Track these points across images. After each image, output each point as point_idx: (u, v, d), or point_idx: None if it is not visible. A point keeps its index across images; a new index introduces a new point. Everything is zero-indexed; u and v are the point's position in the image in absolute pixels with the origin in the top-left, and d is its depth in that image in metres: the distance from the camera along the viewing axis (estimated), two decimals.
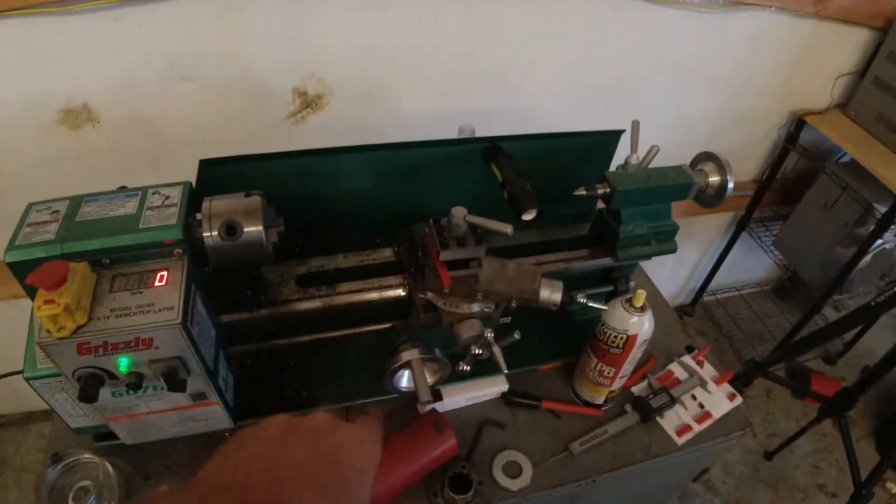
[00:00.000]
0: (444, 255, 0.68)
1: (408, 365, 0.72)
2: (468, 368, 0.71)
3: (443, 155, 0.87)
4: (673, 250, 0.90)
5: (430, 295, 0.72)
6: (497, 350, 0.69)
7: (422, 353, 0.73)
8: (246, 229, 0.67)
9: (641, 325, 0.76)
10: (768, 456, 1.75)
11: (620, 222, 0.85)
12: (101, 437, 0.77)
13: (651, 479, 0.96)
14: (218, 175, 0.79)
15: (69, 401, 0.71)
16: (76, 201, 0.67)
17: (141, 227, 0.64)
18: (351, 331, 0.82)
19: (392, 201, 0.88)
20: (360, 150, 0.83)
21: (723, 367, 0.99)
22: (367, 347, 0.88)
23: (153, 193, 0.69)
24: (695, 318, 2.12)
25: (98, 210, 0.66)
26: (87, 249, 0.62)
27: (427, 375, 0.78)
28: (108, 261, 0.64)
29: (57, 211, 0.66)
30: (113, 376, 0.63)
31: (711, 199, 0.87)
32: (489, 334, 0.69)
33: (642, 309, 0.76)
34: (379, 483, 0.71)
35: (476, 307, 0.71)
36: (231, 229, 0.67)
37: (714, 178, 0.85)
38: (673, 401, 0.89)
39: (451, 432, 0.76)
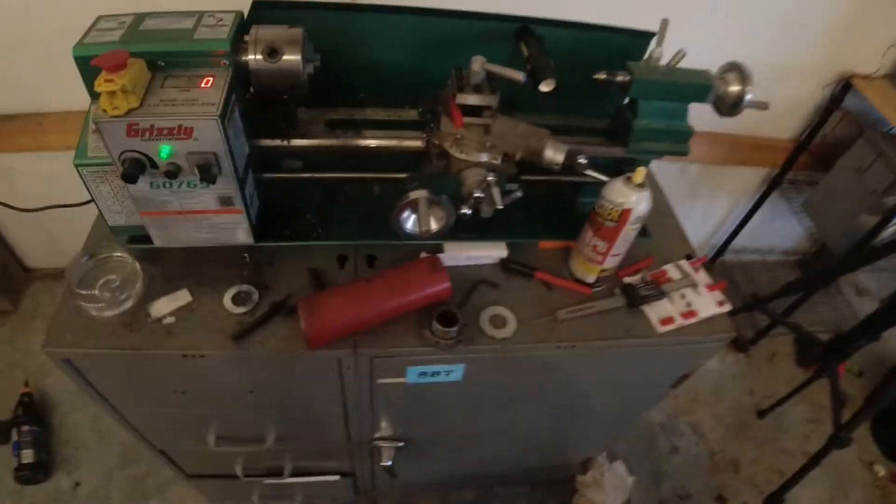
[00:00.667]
0: (460, 98, 0.75)
1: (414, 204, 0.80)
2: (468, 212, 0.79)
3: (477, 29, 0.92)
4: (685, 153, 0.94)
5: (443, 142, 0.80)
6: (496, 191, 0.76)
7: (429, 194, 0.80)
8: (285, 56, 0.76)
9: (638, 202, 0.81)
10: (760, 414, 1.80)
11: (636, 114, 0.89)
12: (134, 239, 0.88)
13: (629, 367, 1.03)
14: (268, 17, 0.87)
15: (111, 193, 0.81)
16: (141, 16, 0.77)
17: (195, 37, 0.73)
18: (369, 174, 0.91)
19: (424, 69, 0.94)
20: (393, 10, 0.89)
21: (713, 327, 1.00)
22: (382, 195, 0.97)
23: (209, 16, 0.78)
24: (713, 274, 2.14)
25: (159, 23, 0.76)
26: (145, 50, 0.72)
27: (432, 221, 0.86)
28: (162, 63, 0.73)
29: (123, 22, 0.76)
30: (154, 165, 0.73)
31: (728, 109, 0.91)
32: (491, 178, 0.76)
33: (641, 186, 0.81)
34: (374, 304, 0.81)
35: (484, 156, 0.78)
36: (273, 52, 0.75)
37: (734, 88, 0.89)
38: (661, 294, 0.95)
39: (445, 274, 0.84)
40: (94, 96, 0.72)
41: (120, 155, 0.72)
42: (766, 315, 1.72)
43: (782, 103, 1.62)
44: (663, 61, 0.90)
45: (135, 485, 1.51)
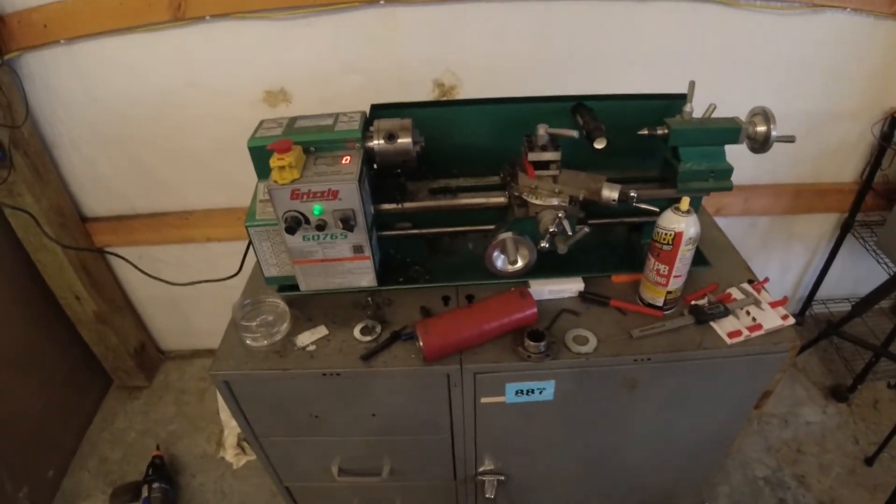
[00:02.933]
0: (532, 156, 1.03)
1: (503, 243, 1.07)
2: (546, 245, 1.04)
3: (540, 110, 1.23)
4: (728, 188, 1.17)
5: (522, 192, 1.07)
6: (567, 223, 1.01)
7: (514, 235, 1.07)
8: (400, 140, 1.08)
9: (687, 225, 1.04)
10: (869, 461, 1.80)
11: (680, 160, 1.14)
12: (284, 288, 1.19)
13: (706, 382, 1.19)
14: (382, 114, 1.22)
15: (270, 249, 1.13)
16: (294, 119, 1.13)
17: (335, 129, 1.08)
18: (464, 228, 1.19)
19: (501, 145, 1.24)
20: (475, 102, 1.22)
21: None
22: (470, 252, 1.25)
23: (343, 116, 1.13)
24: (804, 327, 2.22)
25: (308, 122, 1.12)
26: (301, 140, 1.06)
27: (519, 259, 1.12)
28: (313, 149, 1.07)
29: (281, 123, 1.12)
30: (307, 221, 1.04)
31: (760, 146, 1.14)
32: (562, 214, 1.01)
33: (687, 212, 1.04)
34: (476, 325, 1.05)
35: (555, 200, 1.05)
36: (391, 136, 1.08)
37: (761, 128, 1.12)
38: (727, 311, 1.14)
39: (532, 300, 1.08)
40: (261, 175, 1.08)
41: (283, 214, 1.04)
42: (860, 346, 1.80)
43: (836, 147, 1.80)
44: (696, 114, 1.15)
45: None
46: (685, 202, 1.04)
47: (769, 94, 1.66)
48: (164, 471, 1.82)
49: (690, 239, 1.05)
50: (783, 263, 2.10)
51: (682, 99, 1.23)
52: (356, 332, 1.15)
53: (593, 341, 1.10)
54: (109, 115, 1.65)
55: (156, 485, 1.75)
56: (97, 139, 1.70)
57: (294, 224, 1.03)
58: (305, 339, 1.15)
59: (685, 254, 1.07)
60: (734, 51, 1.58)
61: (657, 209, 1.07)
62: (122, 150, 1.72)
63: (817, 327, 2.18)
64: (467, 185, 1.21)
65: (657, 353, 1.09)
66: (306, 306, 1.22)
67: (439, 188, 1.20)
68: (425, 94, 1.62)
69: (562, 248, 1.07)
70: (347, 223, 1.03)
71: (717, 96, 1.19)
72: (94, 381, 2.07)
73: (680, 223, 1.04)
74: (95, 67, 1.56)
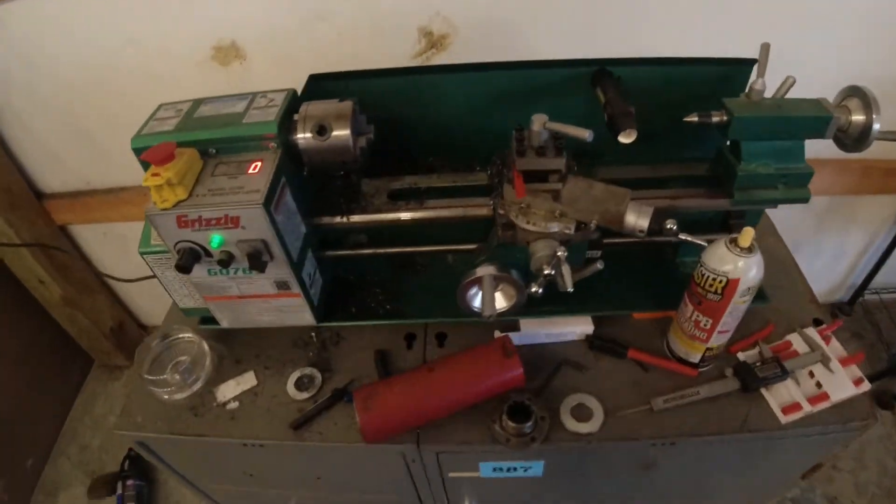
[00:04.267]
0: (521, 164, 0.63)
1: (480, 281, 0.69)
2: (539, 291, 0.66)
3: (547, 78, 0.81)
4: (805, 198, 0.75)
5: (509, 212, 0.68)
6: (566, 269, 0.63)
7: (498, 270, 0.69)
8: (334, 132, 0.69)
9: (746, 269, 0.64)
10: None
11: (741, 159, 0.73)
12: (205, 321, 0.85)
13: (746, 462, 0.83)
14: (325, 89, 0.81)
15: (177, 278, 0.79)
16: (198, 102, 0.75)
17: (244, 122, 0.69)
18: (433, 248, 0.81)
19: (493, 127, 0.84)
20: (458, 69, 0.80)
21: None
22: (450, 268, 0.87)
23: (261, 97, 0.73)
24: (852, 318, 1.79)
25: (213, 109, 0.73)
26: (196, 139, 0.69)
27: (502, 300, 0.74)
28: (214, 150, 0.69)
29: (180, 109, 0.74)
30: (208, 253, 0.68)
31: (853, 143, 0.72)
32: (561, 252, 0.63)
33: (749, 250, 0.64)
34: (437, 396, 0.70)
35: (554, 226, 0.66)
36: (322, 129, 0.69)
37: (858, 117, 0.70)
38: (784, 373, 0.75)
39: (517, 360, 0.71)
40: None
41: (175, 245, 0.68)
42: None
43: None
44: (768, 93, 0.72)
45: None
46: (747, 235, 0.64)
47: (848, 60, 1.17)
48: (139, 465, 1.58)
49: (749, 289, 0.66)
50: (837, 248, 1.65)
51: (746, 66, 0.79)
52: (290, 385, 0.81)
53: (599, 415, 0.74)
54: (48, 81, 1.28)
55: (130, 482, 1.51)
56: (38, 109, 1.34)
57: (189, 260, 0.68)
58: (228, 391, 0.82)
59: (738, 305, 0.68)
60: None
61: (704, 243, 0.67)
62: (66, 120, 1.36)
63: (866, 318, 1.77)
64: (442, 186, 0.82)
65: (684, 435, 0.72)
66: (235, 342, 0.88)
67: (404, 189, 0.82)
68: (410, 46, 1.18)
69: (563, 286, 0.68)
70: (257, 260, 0.67)
71: (779, 63, 0.75)
72: (76, 362, 1.82)
73: (736, 266, 0.64)
74: (27, 29, 1.18)
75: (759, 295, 0.84)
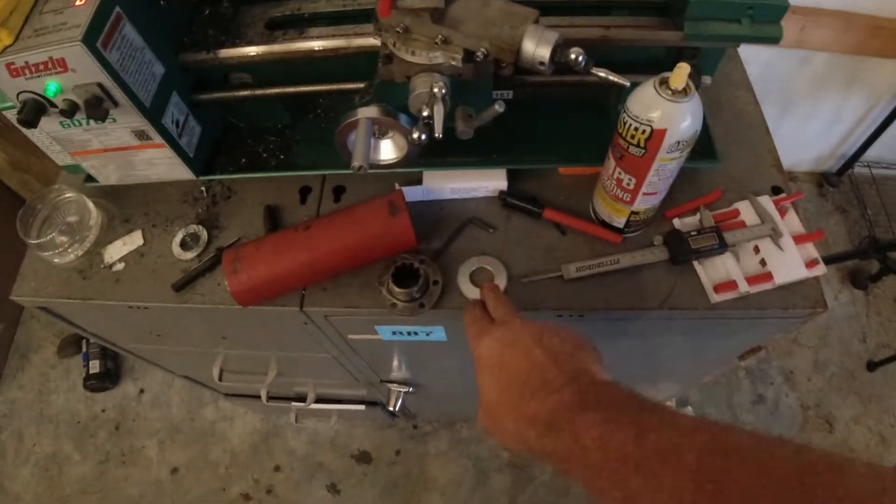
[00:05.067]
0: None
1: (355, 125, 0.57)
2: (423, 137, 0.54)
3: None
4: (775, 38, 0.59)
5: (387, 38, 0.54)
6: (439, 108, 0.50)
7: (380, 113, 0.57)
8: None
9: (676, 117, 0.51)
10: (871, 367, 1.40)
11: None
12: (90, 178, 0.75)
13: (668, 340, 0.76)
14: None
15: (42, 135, 0.68)
16: None
17: None
18: (323, 87, 0.68)
19: None
20: None
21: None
22: (364, 99, 0.74)
23: None
24: (838, 190, 1.66)
25: None
26: None
27: (392, 150, 0.63)
28: None
29: None
30: (52, 104, 0.57)
31: None
32: (437, 89, 0.50)
33: (683, 93, 0.51)
34: (313, 258, 0.62)
35: (438, 56, 0.52)
36: None
37: None
38: (723, 246, 0.65)
39: (406, 217, 0.61)
40: None
41: (18, 96, 0.56)
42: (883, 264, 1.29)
43: None
44: None
45: (192, 393, 1.55)
46: (680, 73, 0.50)
47: None
48: None
49: (679, 143, 0.53)
50: (833, 112, 1.47)
51: None
52: (175, 245, 0.73)
53: (501, 281, 0.65)
54: None
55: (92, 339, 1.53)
56: None
57: (33, 113, 0.56)
58: (115, 252, 0.74)
59: (666, 164, 0.56)
60: None
61: (625, 81, 0.53)
62: None
63: (853, 192, 1.63)
64: (331, 11, 0.66)
65: (595, 308, 0.64)
66: (123, 199, 0.78)
67: (284, 16, 0.66)
68: None
69: (462, 132, 0.57)
70: (96, 108, 0.55)
71: None
72: None
73: (665, 113, 0.51)
74: None
75: (708, 153, 0.71)
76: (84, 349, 1.52)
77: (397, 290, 0.62)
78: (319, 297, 0.66)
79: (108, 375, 1.52)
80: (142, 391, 1.57)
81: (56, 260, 0.75)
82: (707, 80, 0.67)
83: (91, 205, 0.76)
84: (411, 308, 0.62)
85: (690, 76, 0.51)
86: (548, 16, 0.60)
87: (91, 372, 1.49)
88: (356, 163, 0.54)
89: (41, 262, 0.76)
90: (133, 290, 0.71)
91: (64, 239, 0.75)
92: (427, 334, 0.72)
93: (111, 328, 0.87)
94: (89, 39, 0.51)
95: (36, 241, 0.74)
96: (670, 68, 0.66)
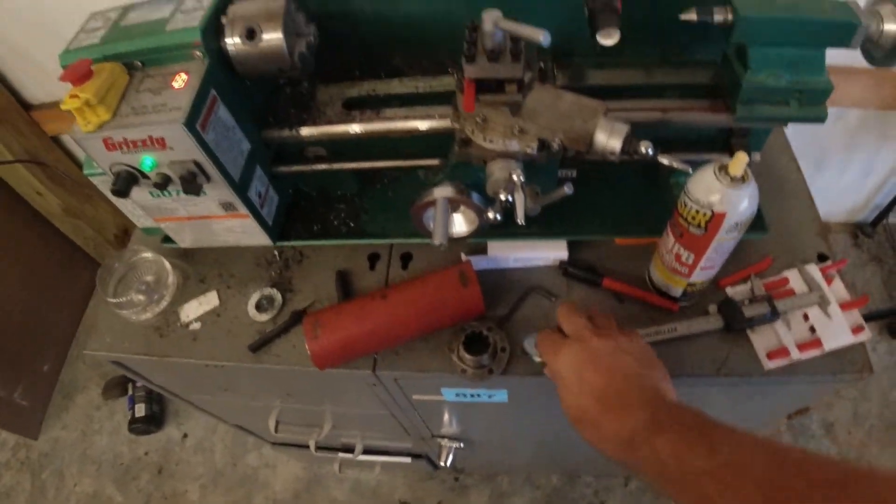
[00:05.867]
0: (470, 71, 0.54)
1: (433, 203, 0.62)
2: (498, 217, 0.59)
3: None
4: (821, 118, 0.64)
5: (465, 125, 0.60)
6: (520, 196, 0.55)
7: (455, 193, 0.62)
8: (265, 36, 0.60)
9: (735, 202, 0.55)
10: None
11: (747, 66, 0.61)
12: (167, 239, 0.81)
13: (724, 404, 0.79)
14: None
15: (128, 200, 0.74)
16: (126, 9, 0.66)
17: (167, 29, 0.60)
18: (397, 163, 0.74)
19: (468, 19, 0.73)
20: None
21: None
22: (421, 183, 0.79)
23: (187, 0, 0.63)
24: (873, 240, 1.67)
25: (140, 15, 0.65)
26: (119, 52, 0.61)
27: (464, 224, 0.68)
28: (140, 63, 0.61)
29: (109, 18, 0.66)
30: (144, 175, 0.62)
31: (883, 55, 0.60)
32: (517, 176, 0.55)
33: (741, 180, 0.55)
34: (389, 325, 0.66)
35: (514, 144, 0.57)
36: (250, 33, 0.60)
37: (891, 26, 0.57)
38: (775, 314, 0.68)
39: (476, 288, 0.66)
40: None
41: (111, 167, 0.63)
42: None
43: None
44: None
45: (236, 440, 1.58)
46: (739, 162, 0.54)
47: None
48: None
49: (737, 224, 0.57)
50: (866, 165, 1.50)
51: None
52: (250, 307, 0.78)
53: None
54: None
55: (139, 383, 1.58)
56: (13, 19, 1.25)
57: (125, 184, 0.62)
58: (191, 311, 0.80)
59: (724, 243, 0.60)
60: None
61: (688, 168, 0.58)
62: (43, 28, 1.25)
63: (889, 242, 1.64)
64: (404, 92, 0.73)
65: None
66: (198, 260, 0.84)
67: (361, 97, 0.73)
68: None
69: (530, 209, 0.61)
70: (191, 183, 0.61)
71: None
72: (86, 268, 1.85)
73: (724, 197, 0.55)
74: None
75: (758, 224, 0.75)
76: (130, 392, 1.57)
77: (468, 356, 0.65)
78: (391, 361, 0.70)
79: (153, 419, 1.56)
80: (185, 436, 1.60)
81: (133, 318, 0.81)
82: (756, 156, 0.71)
83: (168, 265, 0.82)
84: (480, 374, 0.66)
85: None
86: (608, 99, 0.66)
87: (136, 415, 1.54)
88: (437, 240, 0.59)
89: (117, 318, 0.81)
90: (211, 350, 0.76)
91: (142, 298, 0.80)
92: (489, 396, 0.76)
93: (178, 382, 0.92)
94: (190, 122, 0.57)
95: (115, 300, 0.80)
96: (723, 146, 0.72)
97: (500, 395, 0.75)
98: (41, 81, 1.42)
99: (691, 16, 0.59)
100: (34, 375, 1.65)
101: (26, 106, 1.46)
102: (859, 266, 1.66)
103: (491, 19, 0.50)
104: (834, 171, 1.49)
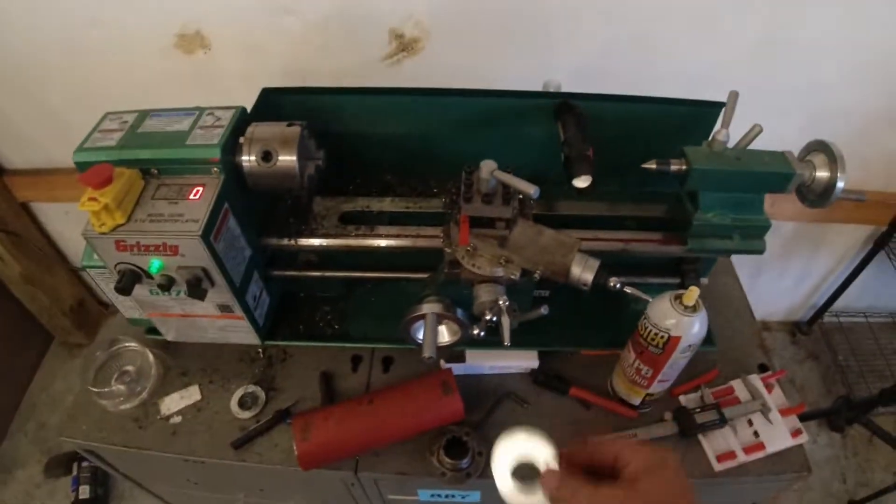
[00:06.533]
0: (467, 209, 0.62)
1: (422, 318, 0.68)
2: (481, 334, 0.66)
3: (514, 106, 0.80)
4: (760, 251, 0.75)
5: (456, 252, 0.67)
6: (506, 320, 0.62)
7: (443, 309, 0.68)
8: (280, 158, 0.67)
9: (688, 328, 0.64)
10: None
11: (697, 207, 0.72)
12: (151, 330, 0.83)
13: None
14: (280, 103, 0.79)
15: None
16: (143, 115, 0.71)
17: (187, 143, 0.66)
18: (384, 274, 0.80)
19: (454, 150, 0.82)
20: (419, 93, 0.79)
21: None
22: (402, 295, 0.86)
23: (208, 114, 0.71)
24: (810, 337, 1.83)
25: (159, 124, 0.70)
26: (137, 158, 0.66)
27: (447, 334, 0.74)
28: (157, 171, 0.67)
29: (125, 121, 0.71)
30: (149, 276, 0.66)
31: (816, 199, 0.72)
32: (503, 302, 0.62)
33: (693, 309, 0.64)
34: (375, 429, 0.70)
35: (499, 271, 0.65)
36: (267, 155, 0.67)
37: (822, 174, 0.70)
38: (723, 421, 0.77)
39: (457, 396, 0.71)
40: None
41: (115, 266, 0.66)
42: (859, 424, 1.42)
43: (888, 155, 1.32)
44: (731, 142, 0.72)
45: None
46: (692, 294, 0.64)
47: (826, 82, 1.16)
48: None
49: (689, 346, 0.66)
50: (802, 271, 1.67)
51: (715, 108, 0.79)
52: (234, 402, 0.80)
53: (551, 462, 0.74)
54: (9, 58, 1.22)
55: (85, 463, 1.51)
56: (1, 86, 1.29)
57: (129, 282, 0.66)
58: (172, 404, 0.81)
59: (678, 361, 0.69)
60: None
61: (648, 298, 0.67)
62: (30, 98, 1.30)
63: (824, 340, 1.80)
64: (396, 210, 0.81)
65: None
66: (181, 353, 0.86)
67: (355, 212, 0.80)
68: (380, 47, 1.15)
69: (507, 338, 0.67)
70: (196, 288, 0.65)
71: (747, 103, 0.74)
72: (35, 337, 1.79)
73: (679, 323, 0.64)
74: None
75: (708, 340, 0.84)
76: (74, 472, 1.49)
77: (448, 460, 0.70)
78: (372, 463, 0.74)
79: (97, 501, 1.48)
80: None
81: (112, 408, 0.81)
82: (704, 281, 0.81)
83: (151, 357, 0.84)
84: (459, 477, 0.70)
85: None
86: (576, 226, 0.75)
87: (80, 497, 1.45)
88: (426, 353, 0.65)
89: (94, 406, 0.81)
90: (190, 444, 0.77)
91: (122, 388, 0.81)
92: (463, 497, 0.79)
93: (147, 472, 0.91)
94: (206, 234, 0.62)
95: (96, 389, 0.81)
96: (676, 271, 0.82)
97: (473, 497, 0.79)
98: (20, 149, 1.44)
99: (651, 165, 0.70)
100: None
101: (0, 170, 1.46)
102: (797, 363, 1.80)
103: (488, 169, 0.59)
104: (773, 275, 1.64)
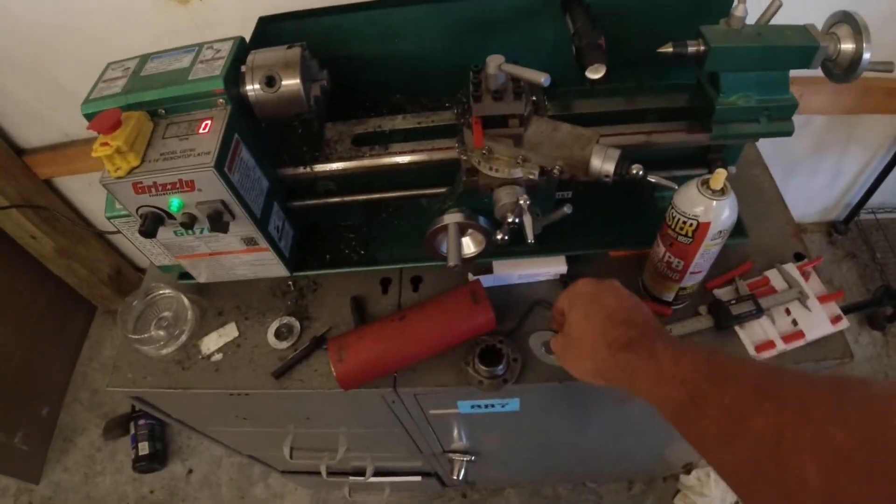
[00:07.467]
0: (478, 110, 0.61)
1: (444, 229, 0.68)
2: (505, 238, 0.65)
3: (514, 7, 0.76)
4: (788, 132, 0.72)
5: (471, 157, 0.66)
6: (528, 218, 0.62)
7: (465, 218, 0.68)
8: (284, 82, 0.66)
9: (717, 212, 0.63)
10: None
11: (719, 91, 0.69)
12: (183, 276, 0.85)
13: None
14: (278, 32, 0.78)
15: (147, 239, 0.79)
16: (144, 59, 0.71)
17: (189, 78, 0.66)
18: (404, 193, 0.80)
19: (461, 60, 0.79)
20: (411, 2, 0.76)
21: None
22: (423, 215, 0.86)
23: (207, 48, 0.70)
24: (847, 237, 1.78)
25: (160, 65, 0.70)
26: (143, 101, 0.66)
27: (471, 244, 0.74)
28: (164, 111, 0.67)
29: (128, 68, 0.71)
30: (171, 216, 0.68)
31: (842, 73, 0.69)
32: (523, 201, 0.62)
33: (721, 192, 0.62)
34: (408, 345, 0.71)
35: (518, 172, 0.64)
36: (270, 81, 0.66)
37: (847, 45, 0.66)
38: (759, 311, 0.76)
39: (487, 304, 0.72)
40: None
41: (137, 210, 0.68)
42: None
43: None
44: (750, 19, 0.68)
45: (241, 472, 1.60)
46: (719, 177, 0.62)
47: None
48: None
49: (720, 232, 0.65)
50: (835, 167, 1.61)
51: None
52: (270, 335, 0.83)
53: None
54: (9, 36, 1.22)
55: (142, 421, 1.60)
56: (5, 65, 1.29)
57: (153, 225, 0.67)
58: (211, 343, 0.84)
59: (710, 249, 0.67)
60: None
61: (674, 185, 0.65)
62: (36, 73, 1.31)
63: (861, 238, 1.75)
64: (408, 127, 0.79)
65: None
66: (215, 295, 0.89)
67: (368, 133, 0.79)
68: None
69: (531, 235, 0.67)
70: (218, 221, 0.66)
71: None
72: (79, 310, 1.86)
73: (707, 209, 0.63)
74: None
75: (739, 231, 0.83)
76: (132, 431, 1.58)
77: (483, 368, 0.71)
78: (410, 378, 0.75)
79: (157, 456, 1.57)
80: (190, 471, 1.62)
81: (154, 353, 0.85)
82: (732, 169, 0.79)
83: (186, 300, 0.86)
84: (496, 384, 0.72)
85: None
86: (595, 125, 0.73)
87: (140, 454, 1.55)
88: (451, 262, 0.65)
89: (137, 355, 0.85)
90: (234, 379, 0.80)
91: (162, 333, 0.84)
92: (503, 405, 0.81)
93: (197, 414, 0.96)
94: (219, 165, 0.62)
95: (136, 337, 0.84)
96: (700, 161, 0.80)
97: (513, 404, 0.81)
98: (33, 127, 1.46)
99: (668, 49, 0.67)
100: (33, 419, 1.65)
101: (18, 151, 1.49)
102: (835, 263, 1.76)
103: (495, 63, 0.57)
104: (805, 175, 1.59)
